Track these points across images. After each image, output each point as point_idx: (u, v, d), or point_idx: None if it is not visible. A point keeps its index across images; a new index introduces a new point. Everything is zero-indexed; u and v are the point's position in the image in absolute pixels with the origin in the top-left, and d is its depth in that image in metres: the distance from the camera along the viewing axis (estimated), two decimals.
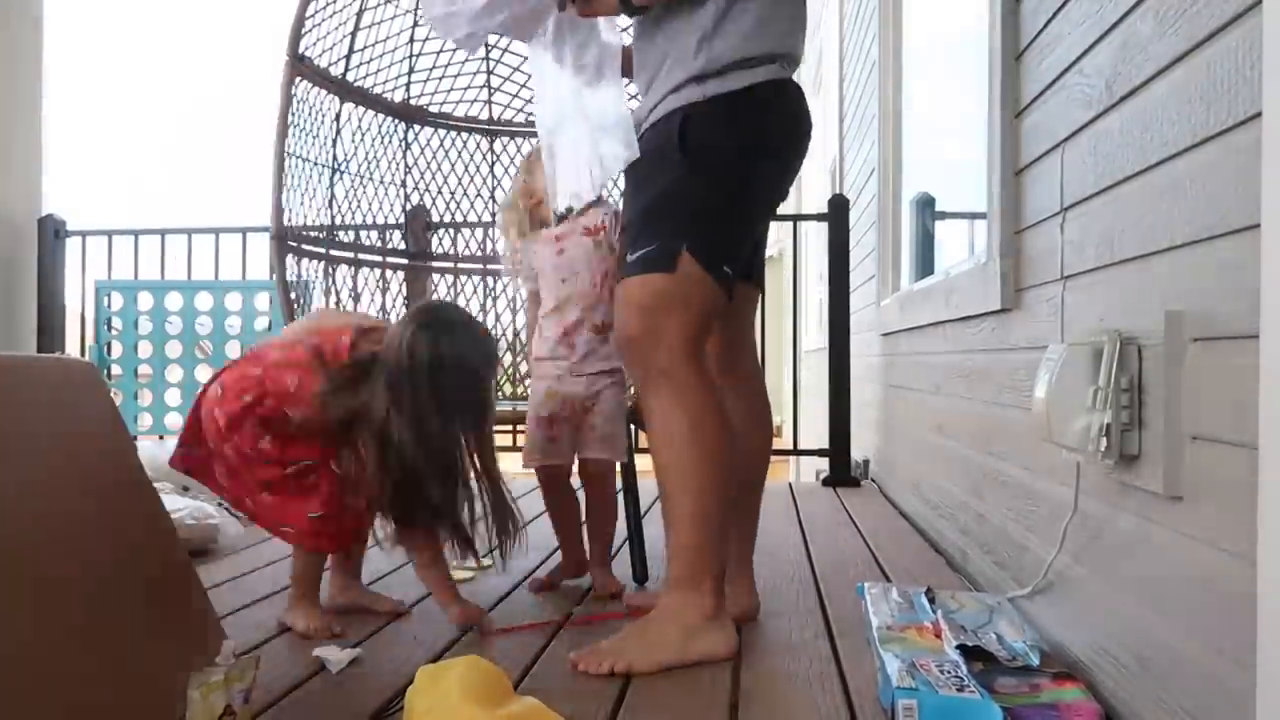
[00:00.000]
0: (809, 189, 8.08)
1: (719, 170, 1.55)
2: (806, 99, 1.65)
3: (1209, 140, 1.01)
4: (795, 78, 1.63)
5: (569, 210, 1.97)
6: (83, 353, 4.17)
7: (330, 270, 2.65)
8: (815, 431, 4.76)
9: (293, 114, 2.36)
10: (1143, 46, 1.18)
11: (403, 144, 2.92)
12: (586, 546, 2.05)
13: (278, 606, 1.84)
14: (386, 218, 2.92)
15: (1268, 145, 0.83)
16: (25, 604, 1.08)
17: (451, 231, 3.07)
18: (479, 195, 3.05)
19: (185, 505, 2.35)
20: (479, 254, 3.06)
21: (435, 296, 3.07)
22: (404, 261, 2.94)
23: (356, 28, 2.58)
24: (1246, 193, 0.91)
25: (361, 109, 2.73)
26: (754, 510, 1.79)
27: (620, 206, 1.92)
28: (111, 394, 3.78)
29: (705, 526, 1.51)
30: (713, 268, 1.52)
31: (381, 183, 2.88)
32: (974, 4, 2.06)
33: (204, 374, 4.07)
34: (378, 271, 2.87)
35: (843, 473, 3.69)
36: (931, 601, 1.61)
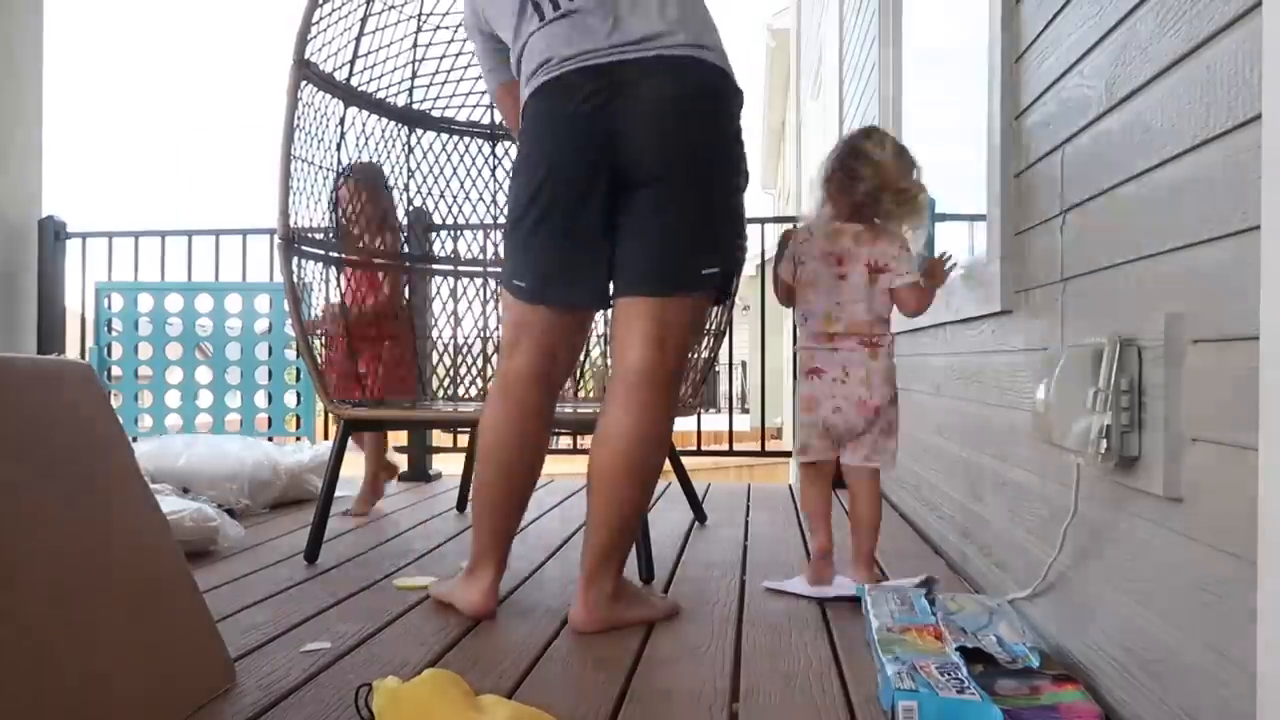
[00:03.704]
0: (809, 190, 8.05)
1: None
2: None
3: (1209, 142, 1.01)
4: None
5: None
6: (83, 354, 4.17)
7: (337, 272, 2.65)
8: None
9: (298, 118, 2.36)
10: (1142, 48, 1.18)
11: (405, 148, 2.93)
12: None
13: (278, 608, 1.84)
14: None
15: (1267, 146, 0.83)
16: (16, 607, 1.08)
17: (453, 234, 3.07)
18: (480, 199, 3.05)
19: (185, 507, 2.35)
20: (480, 257, 3.07)
21: (437, 298, 3.09)
22: (406, 264, 2.94)
23: (361, 33, 2.58)
24: (1246, 194, 0.91)
25: (365, 113, 2.73)
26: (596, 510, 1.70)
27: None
28: (110, 395, 3.78)
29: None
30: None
31: (385, 187, 2.88)
32: (974, 6, 2.06)
33: (204, 376, 4.08)
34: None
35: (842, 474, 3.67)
36: (931, 603, 1.61)
